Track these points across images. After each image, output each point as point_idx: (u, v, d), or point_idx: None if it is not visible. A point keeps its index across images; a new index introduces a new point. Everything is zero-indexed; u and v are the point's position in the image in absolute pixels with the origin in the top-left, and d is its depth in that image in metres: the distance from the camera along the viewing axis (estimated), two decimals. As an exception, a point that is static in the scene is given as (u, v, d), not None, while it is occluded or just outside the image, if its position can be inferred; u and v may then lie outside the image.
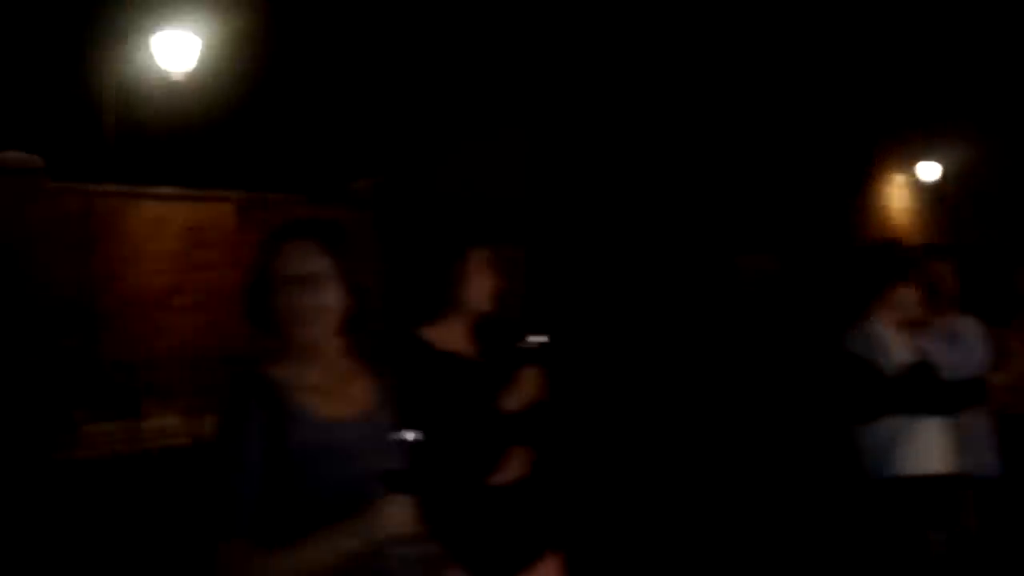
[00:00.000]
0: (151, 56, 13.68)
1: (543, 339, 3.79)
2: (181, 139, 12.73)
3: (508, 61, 15.91)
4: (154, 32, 13.70)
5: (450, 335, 3.83)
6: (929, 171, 23.09)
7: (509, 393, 3.71)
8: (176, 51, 13.79)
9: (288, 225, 2.96)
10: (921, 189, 23.35)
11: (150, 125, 12.65)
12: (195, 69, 13.79)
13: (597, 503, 9.39)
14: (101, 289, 11.49)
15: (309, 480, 2.64)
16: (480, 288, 3.90)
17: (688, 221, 17.70)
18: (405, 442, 2.74)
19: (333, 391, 2.84)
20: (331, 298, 2.82)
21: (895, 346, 4.80)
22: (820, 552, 7.42)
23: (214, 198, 12.42)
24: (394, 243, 14.23)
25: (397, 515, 2.56)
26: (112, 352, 11.45)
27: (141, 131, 12.47)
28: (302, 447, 2.66)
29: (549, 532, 3.81)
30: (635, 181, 17.03)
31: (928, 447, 4.70)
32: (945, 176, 23.03)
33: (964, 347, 5.26)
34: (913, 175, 23.15)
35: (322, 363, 2.86)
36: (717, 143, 17.94)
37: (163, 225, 12.00)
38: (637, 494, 9.86)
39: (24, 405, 10.12)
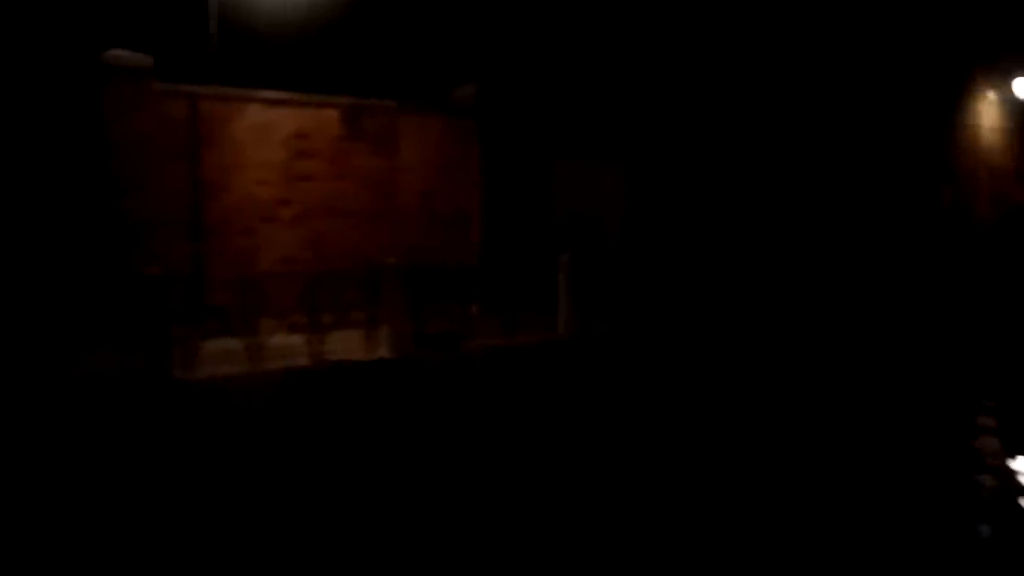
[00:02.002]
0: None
1: None
2: (286, 44, 11.88)
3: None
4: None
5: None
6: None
7: None
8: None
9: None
10: (1015, 108, 22.43)
11: (255, 28, 11.80)
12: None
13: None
14: (207, 200, 10.78)
15: None
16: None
17: (789, 143, 16.89)
18: None
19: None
20: None
21: None
22: None
23: (319, 103, 11.63)
24: (497, 150, 13.51)
25: None
26: (219, 268, 10.79)
27: (246, 34, 11.62)
28: None
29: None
30: (740, 101, 16.17)
31: None
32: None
33: None
34: (1007, 93, 22.13)
35: None
36: (820, 63, 17.05)
37: (268, 132, 11.24)
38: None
39: (127, 327, 9.47)
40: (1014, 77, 21.91)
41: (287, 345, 10.37)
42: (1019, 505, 7.10)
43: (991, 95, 22.00)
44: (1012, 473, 7.92)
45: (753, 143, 16.36)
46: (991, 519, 6.85)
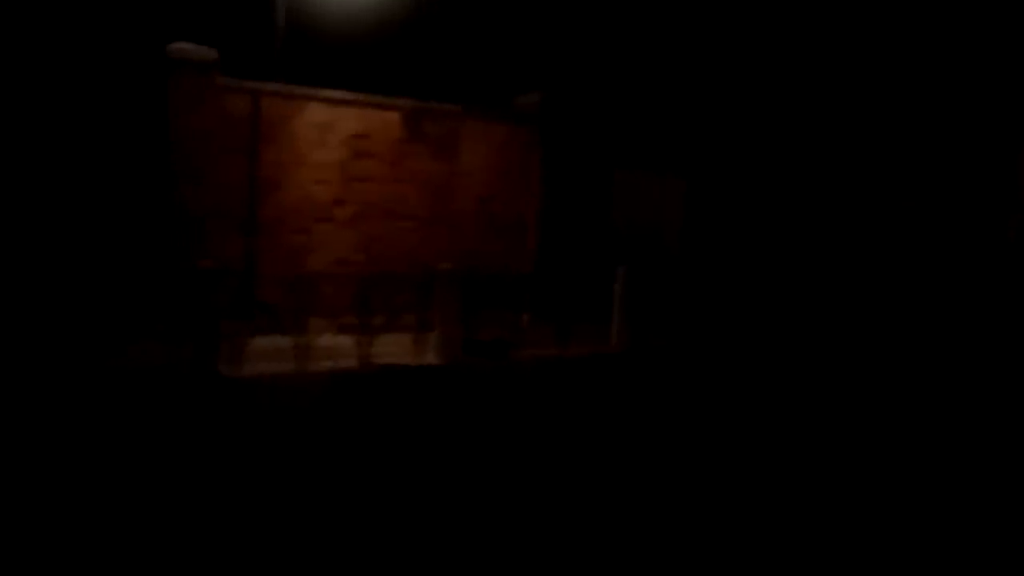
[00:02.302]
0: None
1: None
2: (351, 43, 11.87)
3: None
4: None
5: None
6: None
7: None
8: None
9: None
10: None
11: (320, 26, 11.80)
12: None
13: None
14: (263, 197, 10.78)
15: None
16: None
17: (857, 162, 16.51)
18: None
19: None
20: None
21: None
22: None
23: (381, 105, 11.57)
24: (557, 158, 13.37)
25: None
26: (271, 266, 10.78)
27: (312, 32, 11.63)
28: None
29: None
30: (805, 118, 15.85)
31: None
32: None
33: None
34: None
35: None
36: (888, 78, 16.64)
37: (328, 131, 11.21)
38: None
39: (176, 320, 9.49)
40: None
41: (336, 346, 10.32)
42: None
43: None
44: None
45: (819, 160, 16.03)
46: None
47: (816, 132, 15.93)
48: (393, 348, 10.55)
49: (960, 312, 16.38)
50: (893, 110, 16.82)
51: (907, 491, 8.23)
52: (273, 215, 10.87)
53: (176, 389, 8.73)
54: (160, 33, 9.95)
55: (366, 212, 11.47)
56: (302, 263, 10.99)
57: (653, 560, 6.50)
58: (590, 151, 13.94)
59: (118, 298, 9.54)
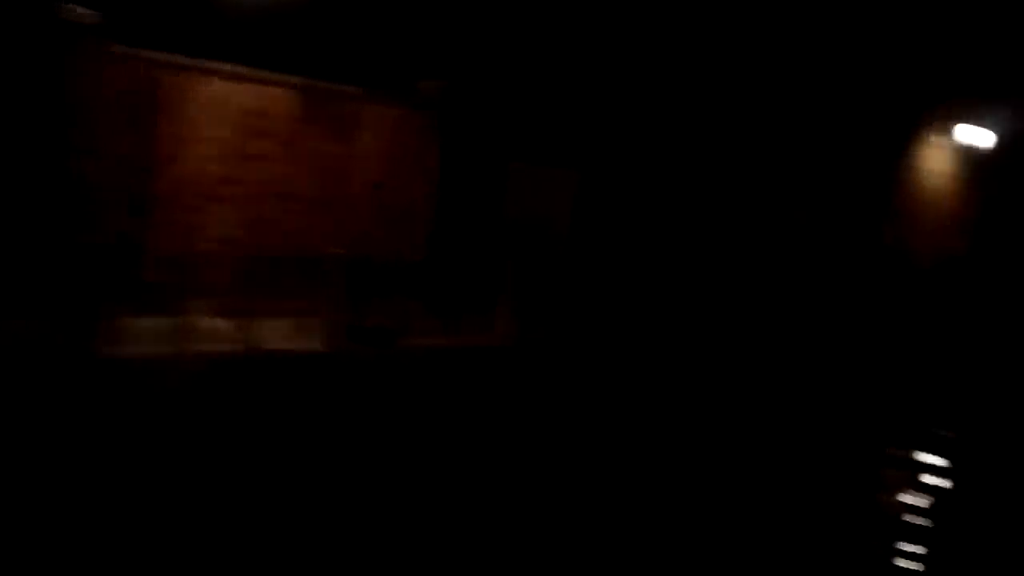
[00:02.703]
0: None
1: None
2: (251, 18, 11.59)
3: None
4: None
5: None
6: (973, 135, 22.38)
7: None
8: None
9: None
10: (965, 153, 22.71)
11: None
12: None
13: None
14: (155, 172, 10.49)
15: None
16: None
17: (736, 164, 17.01)
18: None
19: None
20: None
21: None
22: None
23: (280, 83, 11.37)
24: (454, 147, 13.38)
25: None
26: (158, 244, 10.53)
27: (210, 4, 11.31)
28: None
29: None
30: (688, 123, 16.22)
31: None
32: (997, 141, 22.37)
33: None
34: (954, 138, 22.37)
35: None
36: (767, 94, 17.17)
37: (225, 107, 10.96)
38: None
39: (54, 296, 9.20)
40: (960, 122, 22.08)
41: (219, 328, 10.17)
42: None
43: (939, 139, 22.20)
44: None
45: (705, 162, 16.43)
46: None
47: (702, 132, 16.30)
48: (277, 332, 10.46)
49: (836, 308, 17.08)
50: (780, 118, 17.33)
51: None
52: (164, 191, 10.59)
53: (46, 369, 8.47)
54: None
55: (258, 192, 11.28)
56: (190, 242, 10.76)
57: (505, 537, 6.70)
58: (488, 142, 13.97)
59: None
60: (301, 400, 9.90)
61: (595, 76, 15.27)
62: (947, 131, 22.26)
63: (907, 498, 8.54)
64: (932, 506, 8.21)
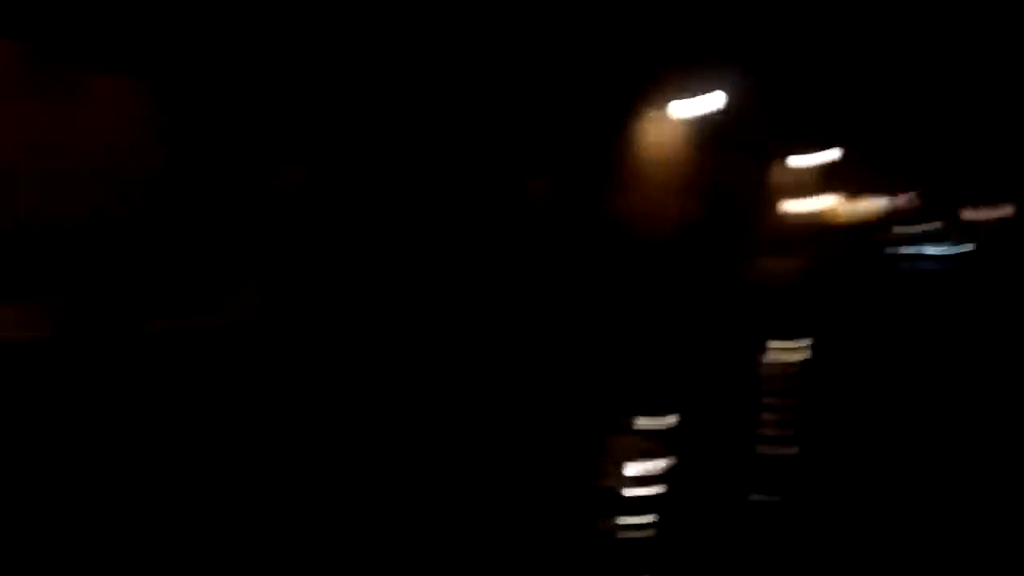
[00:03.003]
0: None
1: None
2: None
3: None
4: None
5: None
6: (689, 108, 23.48)
7: None
8: None
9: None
10: (681, 126, 23.73)
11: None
12: None
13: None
14: None
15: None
16: None
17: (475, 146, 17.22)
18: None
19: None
20: None
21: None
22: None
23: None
24: (192, 117, 12.80)
25: None
26: None
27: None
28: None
29: None
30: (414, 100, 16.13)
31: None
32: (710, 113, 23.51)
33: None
34: (671, 111, 23.32)
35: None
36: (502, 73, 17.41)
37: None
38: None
39: None
40: (688, 89, 23.07)
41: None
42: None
43: (664, 109, 23.13)
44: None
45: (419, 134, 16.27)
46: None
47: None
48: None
49: (554, 287, 17.74)
50: (488, 99, 17.46)
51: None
52: None
53: None
54: None
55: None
56: None
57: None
58: (228, 112, 13.37)
59: None
60: (21, 390, 9.32)
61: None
62: (673, 99, 23.21)
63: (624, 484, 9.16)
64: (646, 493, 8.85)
